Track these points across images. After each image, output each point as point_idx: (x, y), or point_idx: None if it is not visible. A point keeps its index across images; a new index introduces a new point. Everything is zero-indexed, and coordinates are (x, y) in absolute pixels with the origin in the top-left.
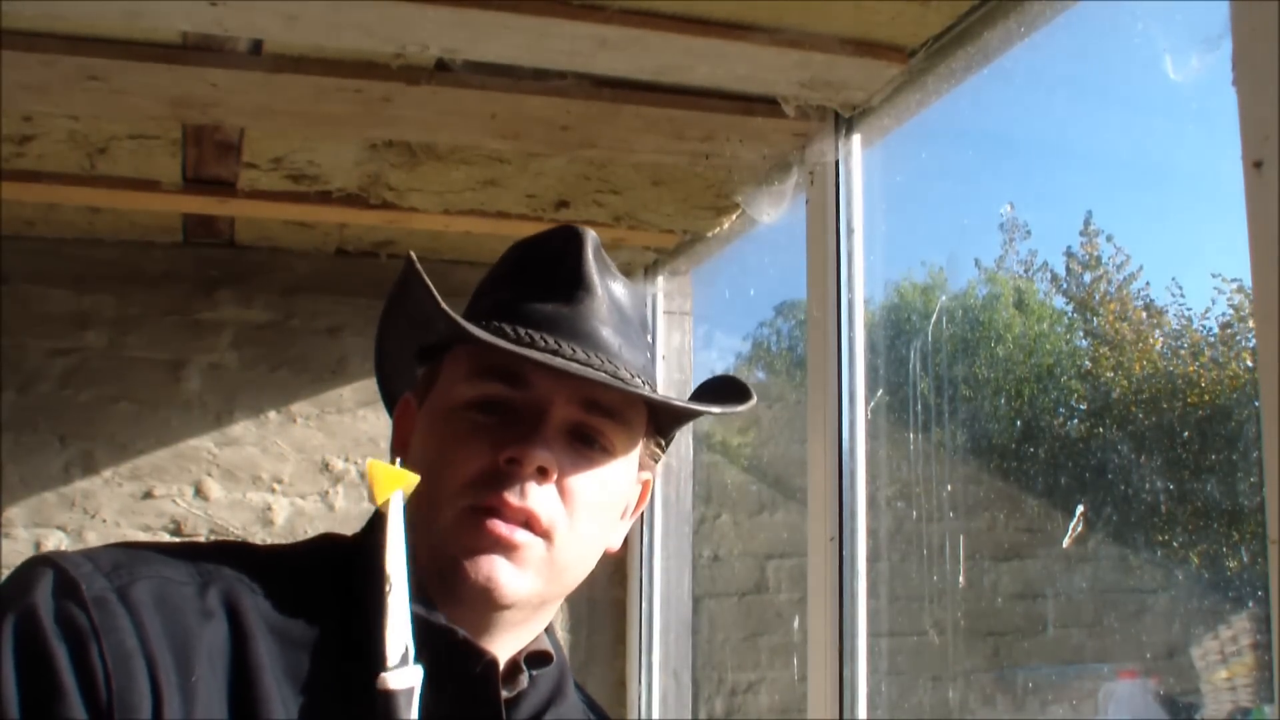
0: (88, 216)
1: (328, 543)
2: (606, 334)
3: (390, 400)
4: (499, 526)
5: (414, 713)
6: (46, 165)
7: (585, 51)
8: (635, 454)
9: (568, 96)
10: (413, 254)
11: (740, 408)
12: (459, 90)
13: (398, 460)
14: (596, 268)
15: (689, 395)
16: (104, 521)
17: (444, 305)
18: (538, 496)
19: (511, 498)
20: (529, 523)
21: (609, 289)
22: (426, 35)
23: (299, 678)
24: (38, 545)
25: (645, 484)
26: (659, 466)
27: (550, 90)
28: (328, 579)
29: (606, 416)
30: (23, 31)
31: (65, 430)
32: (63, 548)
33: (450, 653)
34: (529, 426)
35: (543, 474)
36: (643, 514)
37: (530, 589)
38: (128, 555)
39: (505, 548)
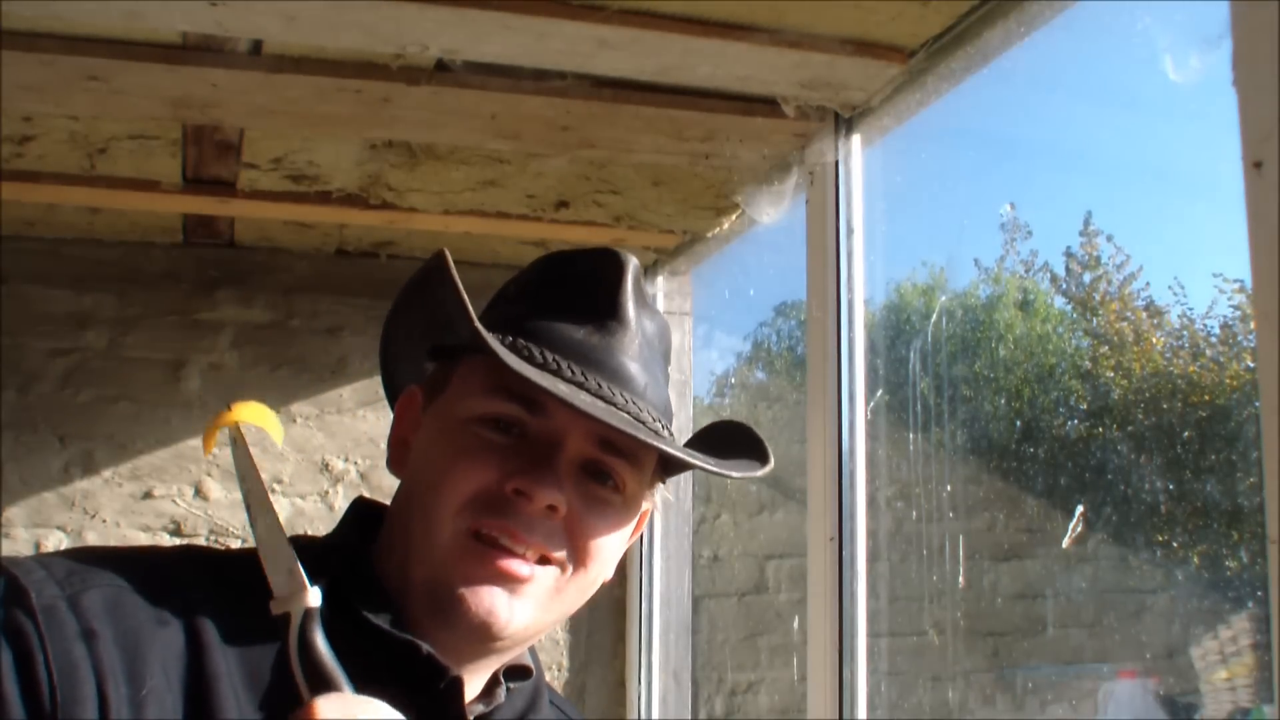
0: (88, 216)
1: (294, 543)
2: (634, 370)
3: (392, 386)
4: (506, 562)
5: (317, 633)
6: (46, 165)
7: (585, 51)
8: (641, 492)
9: (568, 96)
10: (446, 251)
11: (759, 473)
12: (459, 90)
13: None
14: (634, 298)
15: (691, 436)
16: (104, 521)
17: (476, 321)
18: (544, 533)
19: (519, 530)
20: (538, 555)
21: (641, 323)
22: (426, 35)
23: (259, 686)
24: (38, 545)
25: (643, 514)
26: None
27: (550, 90)
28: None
29: (621, 457)
30: (23, 31)
31: (65, 430)
32: (62, 548)
33: (414, 669)
34: (541, 458)
35: (551, 511)
36: None
37: (528, 623)
38: (83, 562)
39: (510, 581)
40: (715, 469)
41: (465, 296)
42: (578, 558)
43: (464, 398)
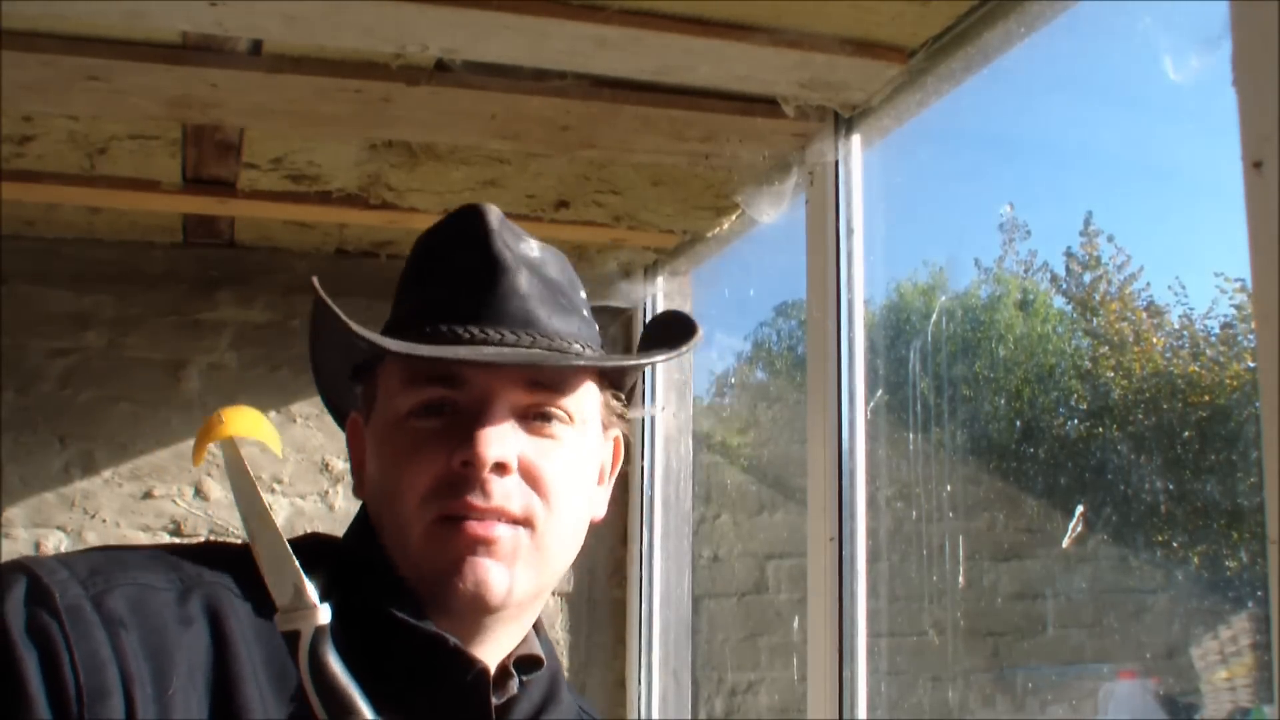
0: (88, 216)
1: (314, 541)
2: (532, 307)
3: (342, 420)
4: (474, 526)
5: (329, 652)
6: (46, 165)
7: (585, 51)
8: (595, 415)
9: (568, 96)
10: (316, 280)
11: (683, 348)
12: (459, 90)
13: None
14: (507, 240)
15: (637, 345)
16: (104, 522)
17: (355, 328)
18: (503, 491)
19: (476, 500)
20: (502, 517)
21: (525, 258)
22: (426, 35)
23: (286, 684)
24: (38, 546)
25: (616, 441)
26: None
27: (550, 90)
28: (315, 579)
29: (553, 391)
30: (23, 31)
31: (65, 430)
32: (62, 548)
33: (440, 661)
34: (475, 423)
35: (501, 469)
36: (642, 514)
37: (522, 584)
38: (106, 561)
39: (486, 545)
40: (641, 361)
41: (341, 314)
42: (549, 502)
43: (390, 400)
